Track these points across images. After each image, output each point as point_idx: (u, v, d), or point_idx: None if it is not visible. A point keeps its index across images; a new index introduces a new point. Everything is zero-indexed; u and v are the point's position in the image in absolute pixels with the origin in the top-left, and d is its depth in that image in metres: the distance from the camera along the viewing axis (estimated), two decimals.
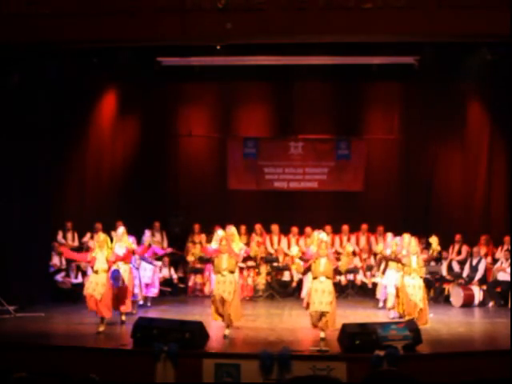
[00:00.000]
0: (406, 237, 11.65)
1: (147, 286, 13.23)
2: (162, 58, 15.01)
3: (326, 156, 16.87)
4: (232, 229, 11.79)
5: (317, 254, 10.67)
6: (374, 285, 14.17)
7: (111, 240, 11.48)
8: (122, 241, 11.77)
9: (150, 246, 12.78)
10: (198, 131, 17.14)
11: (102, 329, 10.77)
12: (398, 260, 11.45)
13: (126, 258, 11.63)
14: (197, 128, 17.11)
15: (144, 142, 16.61)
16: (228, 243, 10.92)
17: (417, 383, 5.82)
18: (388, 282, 12.47)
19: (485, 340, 10.95)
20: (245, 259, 13.15)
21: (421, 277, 11.18)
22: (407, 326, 9.53)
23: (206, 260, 13.97)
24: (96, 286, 10.81)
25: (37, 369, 8.44)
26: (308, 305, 10.70)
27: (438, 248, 11.91)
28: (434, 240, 11.55)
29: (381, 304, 13.23)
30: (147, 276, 13.20)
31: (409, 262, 11.12)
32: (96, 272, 10.92)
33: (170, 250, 15.18)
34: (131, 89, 15.97)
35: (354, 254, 15.50)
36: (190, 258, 15.28)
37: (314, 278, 10.56)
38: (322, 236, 11.45)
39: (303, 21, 10.98)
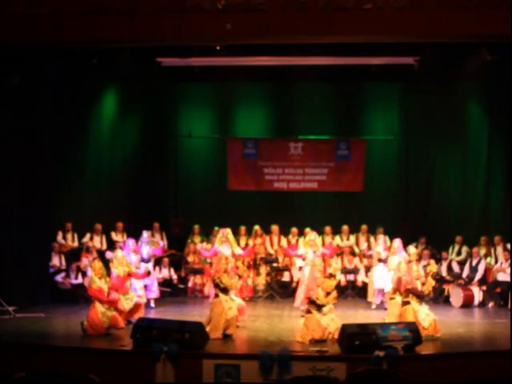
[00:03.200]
0: (403, 262, 11.25)
1: (146, 287, 13.15)
2: (162, 58, 14.99)
3: (325, 156, 16.86)
4: (223, 253, 11.52)
5: (313, 286, 10.57)
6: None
7: (109, 241, 11.43)
8: (123, 264, 11.69)
9: (149, 273, 12.79)
10: (198, 132, 17.14)
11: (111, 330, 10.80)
12: (421, 294, 10.97)
13: (123, 282, 11.53)
14: (197, 128, 17.11)
15: (144, 142, 16.62)
16: (226, 264, 10.89)
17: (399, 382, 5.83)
18: (379, 283, 12.54)
19: (484, 340, 10.94)
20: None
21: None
22: (407, 327, 9.53)
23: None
24: (107, 313, 10.71)
25: (37, 369, 8.46)
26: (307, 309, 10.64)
27: (434, 269, 11.94)
28: (432, 262, 11.53)
29: (373, 306, 13.29)
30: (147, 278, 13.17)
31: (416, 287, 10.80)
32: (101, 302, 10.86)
33: (166, 251, 15.08)
34: (131, 89, 15.98)
35: (353, 254, 15.54)
36: (191, 259, 15.32)
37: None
38: (312, 236, 11.27)
39: (303, 21, 10.98)
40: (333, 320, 10.20)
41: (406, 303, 10.75)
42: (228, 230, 12.28)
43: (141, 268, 12.80)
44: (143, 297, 12.51)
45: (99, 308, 10.72)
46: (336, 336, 9.92)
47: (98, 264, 11.18)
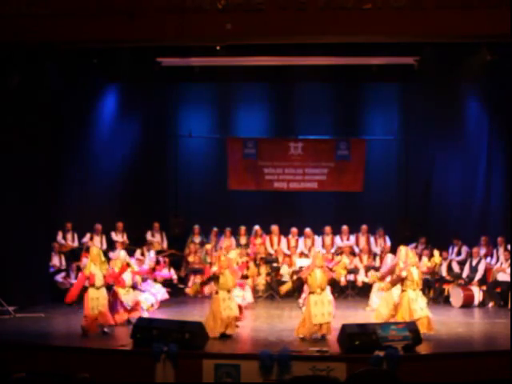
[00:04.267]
0: (403, 249, 11.37)
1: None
2: (162, 58, 15.00)
3: (325, 156, 16.87)
4: (226, 242, 11.55)
5: (312, 265, 10.55)
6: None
7: (109, 241, 11.42)
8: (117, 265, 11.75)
9: (154, 269, 12.82)
10: (198, 131, 17.15)
11: (107, 329, 10.78)
12: (400, 279, 11.06)
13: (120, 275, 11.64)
14: (197, 128, 17.12)
15: (144, 142, 16.62)
16: (229, 259, 10.89)
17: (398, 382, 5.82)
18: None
19: (484, 340, 10.94)
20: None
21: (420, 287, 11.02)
22: (407, 327, 9.53)
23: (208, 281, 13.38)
24: (98, 300, 10.72)
25: (36, 369, 8.46)
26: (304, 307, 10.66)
27: (439, 261, 11.88)
28: (436, 253, 11.45)
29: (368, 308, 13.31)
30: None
31: (410, 274, 10.68)
32: (96, 288, 10.81)
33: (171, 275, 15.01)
34: (131, 89, 15.98)
35: (353, 254, 15.54)
36: (191, 259, 15.33)
37: (311, 292, 10.39)
38: (317, 250, 11.33)
39: (303, 21, 10.99)
40: (323, 315, 10.21)
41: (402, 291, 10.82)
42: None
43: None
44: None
45: (90, 294, 10.75)
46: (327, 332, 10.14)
47: (96, 249, 11.16)
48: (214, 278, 10.81)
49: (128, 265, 11.61)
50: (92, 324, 10.66)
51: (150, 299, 12.71)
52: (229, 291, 10.70)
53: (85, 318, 10.66)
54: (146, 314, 11.89)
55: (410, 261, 10.81)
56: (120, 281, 11.58)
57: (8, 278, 12.58)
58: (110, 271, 11.12)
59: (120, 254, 11.95)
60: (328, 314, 10.28)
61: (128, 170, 16.35)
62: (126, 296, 11.61)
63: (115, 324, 11.06)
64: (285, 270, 14.98)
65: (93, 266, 10.85)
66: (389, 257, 13.74)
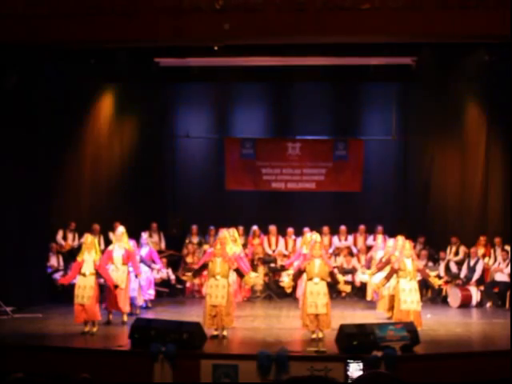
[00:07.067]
0: (400, 239, 11.51)
1: (142, 287, 13.16)
2: (160, 58, 14.98)
3: (323, 157, 16.86)
4: (225, 232, 11.69)
5: (310, 255, 10.60)
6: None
7: (107, 241, 11.46)
8: (122, 241, 11.79)
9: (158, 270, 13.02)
10: (196, 132, 17.14)
11: (87, 329, 10.74)
12: (394, 271, 11.14)
13: (126, 259, 11.77)
14: (194, 129, 17.11)
15: (142, 142, 16.59)
16: (222, 247, 10.88)
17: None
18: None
19: (482, 341, 10.96)
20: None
21: (416, 280, 11.08)
22: (405, 327, 9.54)
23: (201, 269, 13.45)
24: (84, 290, 10.75)
25: (34, 370, 8.44)
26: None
27: (440, 282, 12.07)
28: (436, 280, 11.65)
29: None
30: (143, 278, 13.15)
31: (403, 265, 10.87)
32: (83, 275, 10.84)
33: (162, 263, 14.88)
34: (129, 90, 15.95)
35: (351, 254, 15.54)
36: (189, 260, 15.30)
37: (309, 279, 10.42)
38: (314, 237, 11.47)
39: (301, 22, 11.00)
40: (317, 306, 10.23)
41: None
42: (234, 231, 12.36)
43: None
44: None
45: (78, 281, 10.90)
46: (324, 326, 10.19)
47: (91, 238, 11.20)
48: (205, 266, 10.82)
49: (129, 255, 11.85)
50: (78, 313, 10.69)
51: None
52: (216, 278, 10.58)
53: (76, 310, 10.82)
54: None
55: (406, 252, 10.95)
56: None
57: (6, 279, 12.56)
58: (105, 259, 11.21)
59: (118, 231, 11.99)
60: (322, 305, 10.24)
61: (126, 170, 16.33)
62: (115, 273, 11.66)
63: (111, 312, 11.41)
64: (286, 278, 14.94)
65: (86, 254, 10.87)
66: (379, 238, 13.88)
